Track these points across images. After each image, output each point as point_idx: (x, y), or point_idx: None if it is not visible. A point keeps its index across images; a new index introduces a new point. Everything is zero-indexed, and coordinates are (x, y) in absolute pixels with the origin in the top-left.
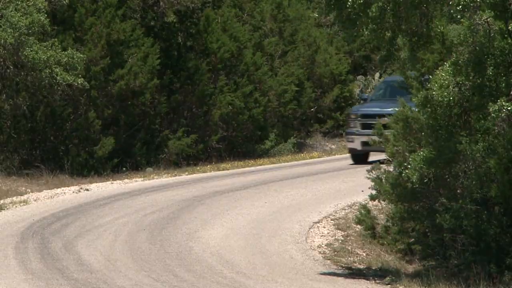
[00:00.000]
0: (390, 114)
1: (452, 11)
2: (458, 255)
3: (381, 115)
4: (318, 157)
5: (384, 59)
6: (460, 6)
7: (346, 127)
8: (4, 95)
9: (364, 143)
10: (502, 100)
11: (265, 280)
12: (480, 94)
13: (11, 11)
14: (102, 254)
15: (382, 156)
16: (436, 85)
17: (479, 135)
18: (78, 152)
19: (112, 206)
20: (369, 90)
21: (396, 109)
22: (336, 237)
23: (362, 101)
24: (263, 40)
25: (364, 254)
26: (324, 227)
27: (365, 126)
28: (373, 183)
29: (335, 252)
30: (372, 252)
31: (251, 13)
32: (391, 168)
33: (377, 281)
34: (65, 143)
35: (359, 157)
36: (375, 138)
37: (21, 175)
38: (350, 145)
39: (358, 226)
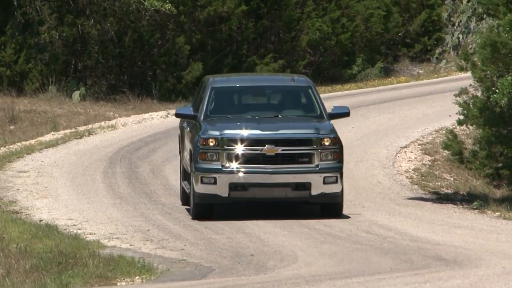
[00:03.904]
0: (286, 140)
1: None
2: None
3: (268, 141)
4: (406, 82)
5: None
6: None
7: (198, 158)
8: (92, 21)
9: (237, 186)
10: None
11: (352, 205)
12: None
13: None
14: None
15: None
16: None
17: None
18: (166, 77)
19: None
20: (457, 14)
21: (287, 131)
22: (423, 162)
23: (187, 119)
24: None
25: (452, 179)
26: (411, 152)
27: (238, 159)
28: (460, 108)
29: (423, 177)
30: (460, 177)
31: None
32: (479, 93)
33: (465, 206)
34: (153, 69)
35: (209, 209)
36: None
37: (109, 100)
38: (205, 189)
39: (446, 151)
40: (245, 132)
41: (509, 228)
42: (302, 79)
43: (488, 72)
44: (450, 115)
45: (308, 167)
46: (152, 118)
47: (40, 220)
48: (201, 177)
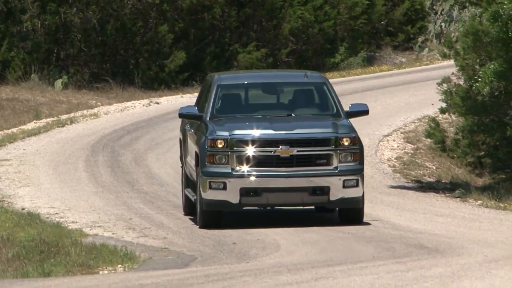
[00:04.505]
0: (302, 140)
1: None
2: None
3: (282, 141)
4: (388, 70)
5: None
6: None
7: (206, 161)
8: (75, 9)
9: (248, 192)
10: None
11: None
12: None
13: None
14: (171, 167)
15: None
16: None
17: None
18: (149, 65)
19: None
20: (440, 3)
21: (299, 131)
22: (405, 150)
23: (191, 119)
24: None
25: (434, 168)
26: (394, 141)
27: (250, 161)
28: (443, 96)
29: (405, 166)
30: (442, 166)
31: None
32: (461, 82)
33: (447, 194)
34: (135, 57)
35: (218, 217)
36: None
37: (92, 89)
38: (214, 195)
39: (428, 139)
40: (256, 132)
41: (490, 217)
42: (316, 75)
43: (470, 60)
44: (432, 104)
45: (326, 169)
46: (134, 106)
47: (22, 209)
48: (209, 182)
